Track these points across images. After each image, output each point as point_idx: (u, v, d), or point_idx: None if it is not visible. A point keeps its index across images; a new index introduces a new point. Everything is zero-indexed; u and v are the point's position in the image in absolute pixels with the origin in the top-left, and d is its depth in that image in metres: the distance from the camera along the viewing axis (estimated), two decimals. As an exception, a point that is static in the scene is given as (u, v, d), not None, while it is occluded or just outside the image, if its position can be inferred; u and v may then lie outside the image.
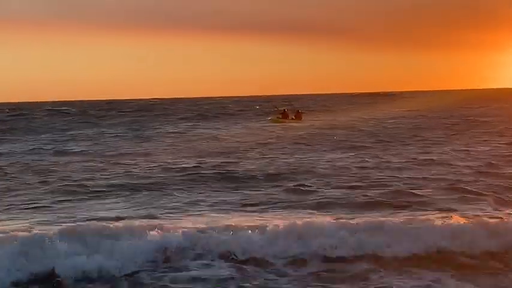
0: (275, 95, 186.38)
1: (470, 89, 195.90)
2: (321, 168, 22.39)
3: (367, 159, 24.80)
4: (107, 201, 17.23)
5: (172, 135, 42.12)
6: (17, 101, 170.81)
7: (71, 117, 70.66)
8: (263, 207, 15.76)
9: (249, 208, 15.66)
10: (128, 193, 18.15)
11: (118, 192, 18.33)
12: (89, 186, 19.43)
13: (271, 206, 15.90)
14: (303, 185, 18.77)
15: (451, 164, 22.56)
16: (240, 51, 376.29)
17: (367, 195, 16.79)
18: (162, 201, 16.77)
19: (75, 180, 20.69)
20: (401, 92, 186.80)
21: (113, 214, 15.08)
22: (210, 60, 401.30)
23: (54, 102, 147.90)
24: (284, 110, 56.50)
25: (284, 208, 15.56)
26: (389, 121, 50.82)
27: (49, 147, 34.35)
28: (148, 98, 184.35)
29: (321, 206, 15.63)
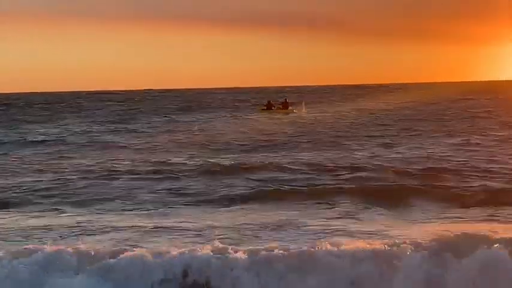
0: (274, 87, 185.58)
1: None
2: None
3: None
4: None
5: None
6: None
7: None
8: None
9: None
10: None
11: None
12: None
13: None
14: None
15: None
16: (239, 43, 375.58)
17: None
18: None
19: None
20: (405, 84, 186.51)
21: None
22: (209, 53, 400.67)
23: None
24: (268, 101, 56.70)
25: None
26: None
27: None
28: (145, 88, 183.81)
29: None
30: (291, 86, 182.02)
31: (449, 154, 22.45)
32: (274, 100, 58.77)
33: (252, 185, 16.70)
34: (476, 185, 16.25)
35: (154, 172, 19.39)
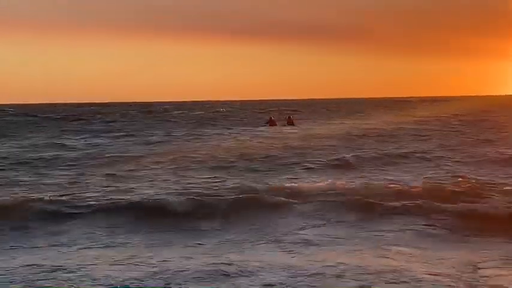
0: (291, 100, 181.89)
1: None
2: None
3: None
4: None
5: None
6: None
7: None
8: None
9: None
10: None
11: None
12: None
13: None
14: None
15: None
16: (255, 54, 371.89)
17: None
18: None
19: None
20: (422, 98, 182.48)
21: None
22: (223, 64, 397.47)
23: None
24: (270, 117, 53.14)
25: None
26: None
27: None
28: (158, 101, 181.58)
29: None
30: (311, 99, 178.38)
31: None
32: (270, 116, 54.15)
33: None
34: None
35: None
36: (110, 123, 59.28)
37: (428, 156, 23.89)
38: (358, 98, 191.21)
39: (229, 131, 44.48)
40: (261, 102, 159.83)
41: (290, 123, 50.33)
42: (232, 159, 23.60)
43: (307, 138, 33.82)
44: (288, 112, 68.57)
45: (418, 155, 24.39)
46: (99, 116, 78.84)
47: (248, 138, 35.67)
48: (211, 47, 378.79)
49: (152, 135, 40.16)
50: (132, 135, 40.43)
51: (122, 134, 42.50)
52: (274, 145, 29.58)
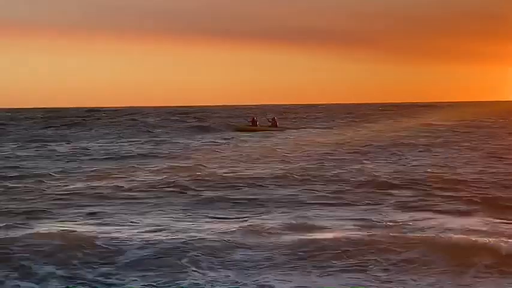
0: (299, 104, 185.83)
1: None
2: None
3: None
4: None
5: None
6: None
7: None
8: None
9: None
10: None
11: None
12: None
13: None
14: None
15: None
16: (265, 59, 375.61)
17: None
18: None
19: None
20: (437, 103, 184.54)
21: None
22: (234, 68, 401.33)
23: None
24: (253, 118, 57.83)
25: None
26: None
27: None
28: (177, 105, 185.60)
29: None
30: (319, 104, 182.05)
31: None
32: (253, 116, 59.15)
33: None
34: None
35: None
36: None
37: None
38: (368, 103, 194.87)
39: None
40: (272, 106, 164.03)
41: (274, 125, 56.14)
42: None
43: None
44: (285, 114, 73.54)
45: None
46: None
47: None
48: (223, 51, 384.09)
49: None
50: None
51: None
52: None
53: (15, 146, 40.16)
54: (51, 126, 65.60)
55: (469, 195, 17.15)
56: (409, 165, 25.16)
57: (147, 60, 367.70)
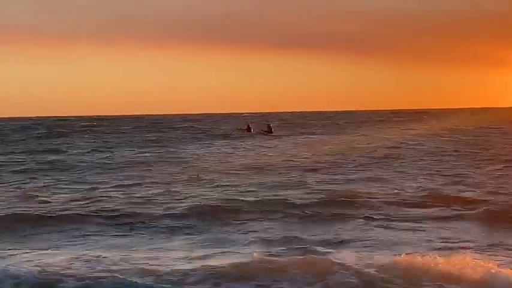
0: (315, 111, 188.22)
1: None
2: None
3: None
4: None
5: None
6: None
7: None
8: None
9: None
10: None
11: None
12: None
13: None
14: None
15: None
16: (281, 66, 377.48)
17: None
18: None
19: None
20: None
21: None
22: (251, 75, 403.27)
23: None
24: (248, 125, 62.85)
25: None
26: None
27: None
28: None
29: None
30: (335, 111, 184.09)
31: None
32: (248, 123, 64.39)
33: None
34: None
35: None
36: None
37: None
38: (381, 110, 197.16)
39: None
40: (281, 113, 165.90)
41: (269, 131, 60.34)
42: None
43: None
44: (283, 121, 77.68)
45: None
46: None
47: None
48: (239, 59, 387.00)
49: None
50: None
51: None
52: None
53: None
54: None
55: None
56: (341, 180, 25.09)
57: (166, 66, 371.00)
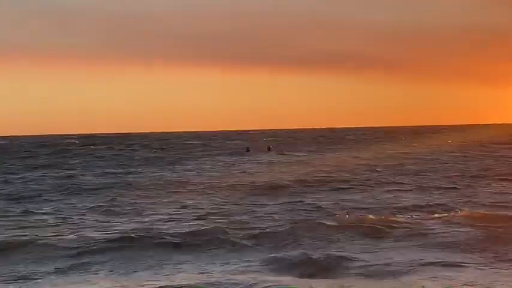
0: (327, 128, 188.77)
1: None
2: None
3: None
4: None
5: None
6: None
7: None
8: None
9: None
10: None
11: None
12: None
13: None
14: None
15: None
16: (299, 83, 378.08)
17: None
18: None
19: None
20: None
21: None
22: (265, 93, 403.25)
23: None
24: (247, 147, 65.57)
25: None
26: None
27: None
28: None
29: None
30: (339, 128, 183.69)
31: None
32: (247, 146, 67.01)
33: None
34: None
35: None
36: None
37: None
38: (394, 126, 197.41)
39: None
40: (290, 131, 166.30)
41: (269, 150, 63.40)
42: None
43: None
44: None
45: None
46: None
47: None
48: (256, 76, 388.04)
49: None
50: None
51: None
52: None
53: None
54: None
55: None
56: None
57: (183, 85, 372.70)
